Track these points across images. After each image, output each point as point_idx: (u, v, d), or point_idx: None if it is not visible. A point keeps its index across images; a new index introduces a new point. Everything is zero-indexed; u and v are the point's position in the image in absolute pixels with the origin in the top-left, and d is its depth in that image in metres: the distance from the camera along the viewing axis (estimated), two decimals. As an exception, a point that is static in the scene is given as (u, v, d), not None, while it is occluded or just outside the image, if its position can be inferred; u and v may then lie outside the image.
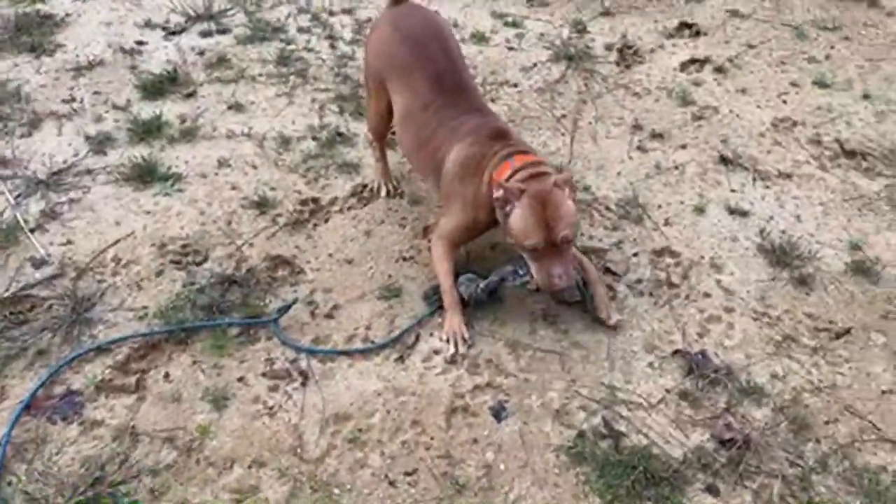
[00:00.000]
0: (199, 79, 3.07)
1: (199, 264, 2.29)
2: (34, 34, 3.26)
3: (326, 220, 2.46)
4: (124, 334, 2.06)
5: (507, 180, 2.00)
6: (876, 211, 2.58)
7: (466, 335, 2.09)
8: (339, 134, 2.81)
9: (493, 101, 3.06)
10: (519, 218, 1.95)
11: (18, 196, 2.49)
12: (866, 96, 3.11)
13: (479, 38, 3.43)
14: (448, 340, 2.08)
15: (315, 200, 2.53)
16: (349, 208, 2.51)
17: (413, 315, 2.16)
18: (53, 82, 3.02)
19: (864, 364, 2.09)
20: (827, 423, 1.95)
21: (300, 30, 3.42)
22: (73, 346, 2.03)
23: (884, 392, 2.03)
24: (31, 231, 2.35)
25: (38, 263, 2.26)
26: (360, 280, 2.26)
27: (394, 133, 2.82)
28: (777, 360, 2.10)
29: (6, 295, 2.15)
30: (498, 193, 1.98)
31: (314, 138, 2.79)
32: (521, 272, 2.12)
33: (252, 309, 2.15)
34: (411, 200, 2.55)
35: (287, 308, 2.12)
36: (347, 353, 2.05)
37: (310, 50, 3.29)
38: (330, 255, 2.34)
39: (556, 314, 2.19)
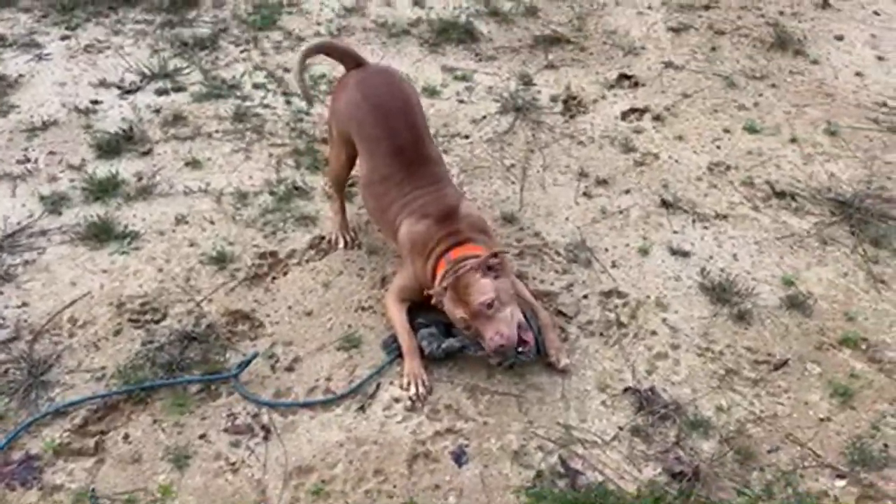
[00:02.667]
0: (156, 136, 3.12)
1: (157, 322, 2.30)
2: (-13, 95, 3.27)
3: (285, 274, 2.51)
4: (82, 396, 2.06)
5: (443, 277, 2.14)
6: (806, 248, 2.75)
7: (425, 378, 2.15)
8: (296, 188, 2.88)
9: (445, 152, 3.17)
10: (447, 309, 2.14)
11: (-29, 259, 2.47)
12: (793, 140, 3.34)
13: (431, 91, 3.57)
14: (409, 384, 2.14)
15: (273, 254, 2.58)
16: (307, 261, 2.57)
17: (373, 364, 2.21)
18: (7, 143, 3.03)
19: (801, 394, 2.22)
20: (770, 451, 2.06)
21: (255, 86, 3.51)
22: (30, 410, 2.02)
23: (821, 420, 2.15)
24: (-15, 294, 2.34)
25: (-8, 327, 2.24)
26: (319, 332, 2.31)
27: (351, 185, 2.92)
28: (721, 393, 2.21)
29: (-41, 361, 2.13)
30: (433, 292, 2.16)
31: (271, 192, 2.85)
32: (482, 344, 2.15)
33: (212, 365, 2.17)
34: (369, 251, 2.62)
35: (247, 363, 2.15)
36: (308, 406, 2.08)
37: (265, 106, 3.37)
38: (289, 307, 2.38)
39: (513, 364, 2.27)
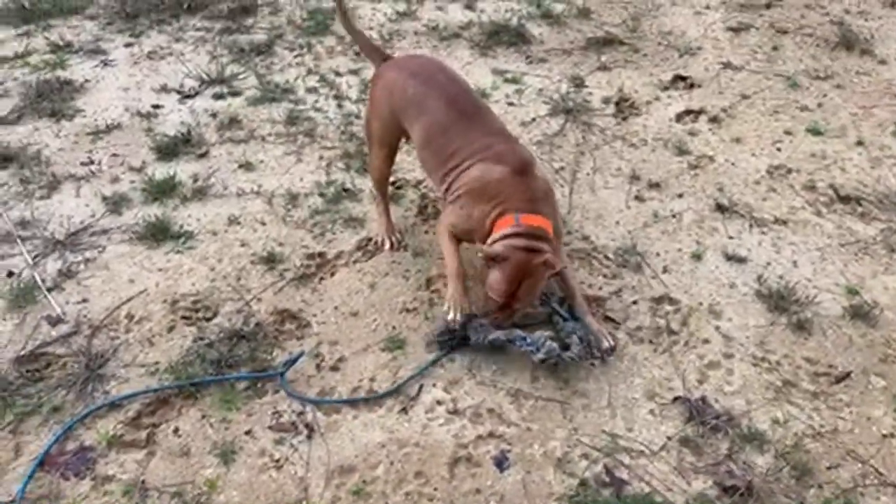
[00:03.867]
0: (212, 139, 3.20)
1: (209, 320, 2.36)
2: (54, 100, 3.43)
3: (332, 274, 2.53)
4: (136, 390, 2.12)
5: (504, 237, 2.11)
6: (872, 255, 2.62)
7: (466, 304, 2.21)
8: (345, 189, 2.91)
9: (493, 154, 3.15)
10: (494, 277, 2.12)
11: (37, 256, 2.59)
12: (860, 142, 3.18)
13: (481, 94, 3.55)
14: (448, 309, 2.20)
15: (321, 255, 2.61)
16: (354, 262, 2.59)
17: (416, 366, 2.21)
18: (72, 146, 3.17)
19: (864, 408, 2.11)
20: (829, 468, 1.96)
21: (308, 90, 3.57)
22: (86, 403, 2.09)
23: (885, 436, 2.03)
24: (49, 290, 2.44)
25: (55, 321, 2.34)
26: (364, 332, 2.32)
27: (398, 187, 2.93)
28: (777, 405, 2.12)
29: (23, 353, 2.22)
30: (487, 249, 2.11)
31: (321, 194, 2.89)
32: (528, 340, 2.17)
33: (259, 363, 2.20)
34: (414, 253, 2.62)
35: (294, 361, 2.17)
36: (351, 403, 2.10)
37: (317, 110, 3.43)
38: (335, 308, 2.41)
39: (556, 362, 2.23)
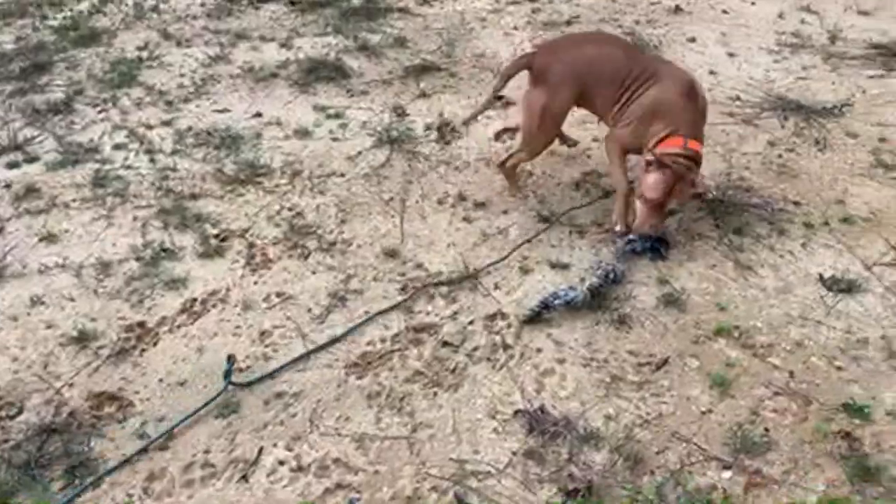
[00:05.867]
0: (6, 214, 2.91)
1: (13, 417, 2.13)
2: None
3: (155, 344, 2.38)
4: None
5: (673, 155, 2.60)
6: (676, 244, 2.85)
7: (631, 218, 2.77)
8: (164, 249, 2.75)
9: (321, 192, 3.12)
10: (653, 180, 2.61)
11: None
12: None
13: (303, 133, 3.51)
14: (616, 221, 2.83)
15: (141, 325, 2.44)
16: (179, 326, 2.44)
17: (253, 430, 2.11)
18: None
19: (683, 389, 2.28)
20: (658, 452, 2.09)
21: (116, 147, 3.35)
22: None
23: (703, 413, 2.21)
24: None
25: None
26: (194, 401, 2.18)
27: (222, 239, 2.80)
28: (608, 401, 2.24)
29: None
30: (651, 158, 2.61)
31: (137, 258, 2.71)
32: (561, 293, 2.51)
33: (75, 458, 2.01)
34: (244, 307, 2.52)
35: (229, 370, 2.16)
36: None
37: (128, 167, 3.23)
38: (160, 380, 2.25)
39: (401, 396, 2.22)
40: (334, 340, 2.38)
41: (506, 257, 2.74)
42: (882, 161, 3.26)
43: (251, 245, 2.81)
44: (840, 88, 3.82)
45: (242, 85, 3.89)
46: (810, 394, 2.24)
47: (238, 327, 2.45)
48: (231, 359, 2.23)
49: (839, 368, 2.32)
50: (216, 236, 2.84)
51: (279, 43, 4.28)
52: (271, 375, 2.27)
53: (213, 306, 2.54)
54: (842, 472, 2.03)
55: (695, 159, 2.64)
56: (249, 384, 2.23)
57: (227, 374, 2.20)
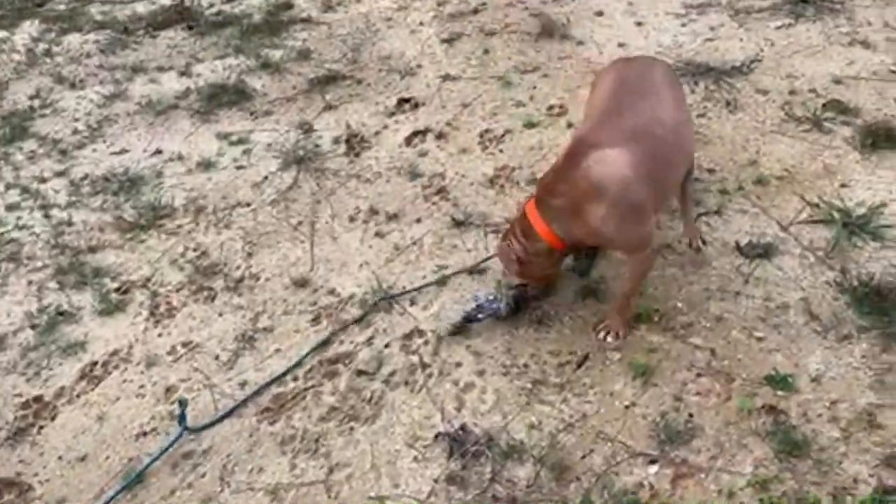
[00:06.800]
0: None
1: None
2: None
3: (53, 418, 2.25)
4: None
5: None
6: (594, 231, 2.78)
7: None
8: (61, 313, 2.62)
9: (226, 226, 2.99)
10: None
11: None
12: (570, 125, 3.40)
13: (207, 164, 3.38)
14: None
15: (38, 399, 2.31)
16: (78, 395, 2.31)
17: (161, 497, 2.00)
18: None
19: (606, 385, 2.21)
20: (583, 457, 2.02)
21: (9, 208, 3.19)
22: None
23: (626, 407, 2.14)
24: None
25: None
26: (96, 477, 2.07)
27: (123, 291, 2.64)
28: (530, 409, 2.16)
29: None
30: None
31: (32, 326, 2.57)
32: (485, 306, 2.36)
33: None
34: (148, 363, 2.40)
35: (183, 413, 2.05)
36: None
37: (22, 227, 3.07)
38: (60, 458, 2.13)
39: (316, 437, 2.12)
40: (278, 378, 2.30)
41: (433, 283, 2.60)
42: (793, 115, 3.22)
43: (154, 294, 2.68)
44: (748, 44, 3.77)
45: (141, 121, 3.73)
46: (733, 370, 2.19)
47: (142, 387, 2.33)
48: (183, 403, 2.11)
49: (760, 339, 2.27)
50: (117, 290, 2.71)
51: (178, 71, 4.12)
52: (229, 415, 2.18)
53: (115, 367, 2.41)
54: (769, 449, 1.98)
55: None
56: (206, 427, 2.14)
57: (182, 419, 2.09)
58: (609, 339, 2.30)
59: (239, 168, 3.35)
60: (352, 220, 2.99)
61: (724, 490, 1.91)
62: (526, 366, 2.29)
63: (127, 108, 3.84)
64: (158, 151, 3.48)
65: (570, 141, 2.24)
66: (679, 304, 2.42)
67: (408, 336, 2.43)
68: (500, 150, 3.29)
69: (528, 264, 2.19)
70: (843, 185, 2.83)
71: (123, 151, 3.51)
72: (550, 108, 3.52)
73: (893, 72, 3.42)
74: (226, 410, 2.19)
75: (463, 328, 2.39)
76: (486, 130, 3.42)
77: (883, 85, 3.25)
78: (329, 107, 3.73)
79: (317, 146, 3.44)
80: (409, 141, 3.43)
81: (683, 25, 4.01)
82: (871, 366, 2.15)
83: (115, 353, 2.46)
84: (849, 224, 2.62)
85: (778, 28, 3.90)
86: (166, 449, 2.06)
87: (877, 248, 2.54)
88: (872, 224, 2.61)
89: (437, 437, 2.11)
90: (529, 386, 2.23)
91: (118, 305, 2.62)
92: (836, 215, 2.66)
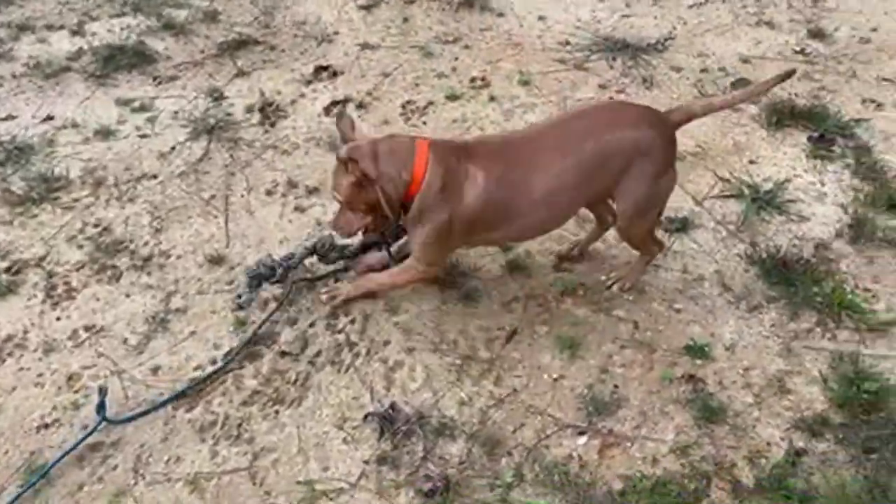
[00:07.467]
0: None
1: None
2: None
3: (-61, 415, 2.02)
4: None
5: None
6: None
7: None
8: (-59, 298, 2.34)
9: (130, 200, 2.78)
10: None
11: None
12: (492, 98, 3.37)
13: (106, 133, 3.11)
14: None
15: (-83, 394, 2.07)
16: (-33, 388, 2.09)
17: (68, 493, 1.84)
18: None
19: (534, 358, 2.22)
20: (514, 431, 2.03)
21: None
22: None
23: (555, 380, 2.17)
24: None
25: None
26: (-10, 476, 1.88)
27: (15, 272, 2.41)
28: (460, 385, 2.15)
29: None
30: None
31: None
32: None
33: None
34: (46, 349, 2.20)
35: (103, 402, 1.92)
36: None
37: None
38: (-53, 458, 1.92)
39: (239, 422, 2.02)
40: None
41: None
42: (704, 92, 3.32)
43: (50, 274, 2.45)
44: (662, 22, 3.86)
45: (29, 85, 3.39)
46: (654, 341, 2.26)
47: (41, 375, 2.13)
48: (102, 390, 1.95)
49: (679, 311, 2.35)
50: (7, 270, 2.46)
51: (70, 30, 3.76)
52: (155, 409, 2.04)
53: (9, 354, 2.20)
54: (689, 416, 2.06)
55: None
56: (130, 419, 1.99)
57: (101, 408, 1.93)
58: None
59: (143, 137, 3.11)
60: (269, 193, 2.84)
61: (649, 457, 1.97)
62: (455, 342, 2.27)
63: (13, 70, 3.48)
64: (50, 117, 3.18)
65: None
66: (603, 278, 2.46)
67: (333, 315, 2.35)
68: (424, 123, 3.22)
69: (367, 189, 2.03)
70: (751, 162, 2.96)
71: (10, 118, 3.18)
72: (473, 80, 3.48)
73: (797, 52, 3.60)
74: (164, 399, 2.03)
75: (255, 292, 2.30)
76: (409, 101, 3.34)
77: (787, 65, 3.40)
78: (241, 73, 3.52)
79: (228, 115, 3.24)
80: (328, 111, 3.29)
81: (601, 1, 4.06)
82: (779, 334, 2.27)
83: (8, 338, 2.23)
84: (757, 199, 2.74)
85: (690, 7, 4.02)
86: (82, 440, 1.90)
87: (783, 221, 2.67)
88: (778, 199, 2.75)
89: (366, 417, 2.05)
90: (459, 362, 2.21)
91: (9, 287, 2.38)
92: (746, 191, 2.78)
